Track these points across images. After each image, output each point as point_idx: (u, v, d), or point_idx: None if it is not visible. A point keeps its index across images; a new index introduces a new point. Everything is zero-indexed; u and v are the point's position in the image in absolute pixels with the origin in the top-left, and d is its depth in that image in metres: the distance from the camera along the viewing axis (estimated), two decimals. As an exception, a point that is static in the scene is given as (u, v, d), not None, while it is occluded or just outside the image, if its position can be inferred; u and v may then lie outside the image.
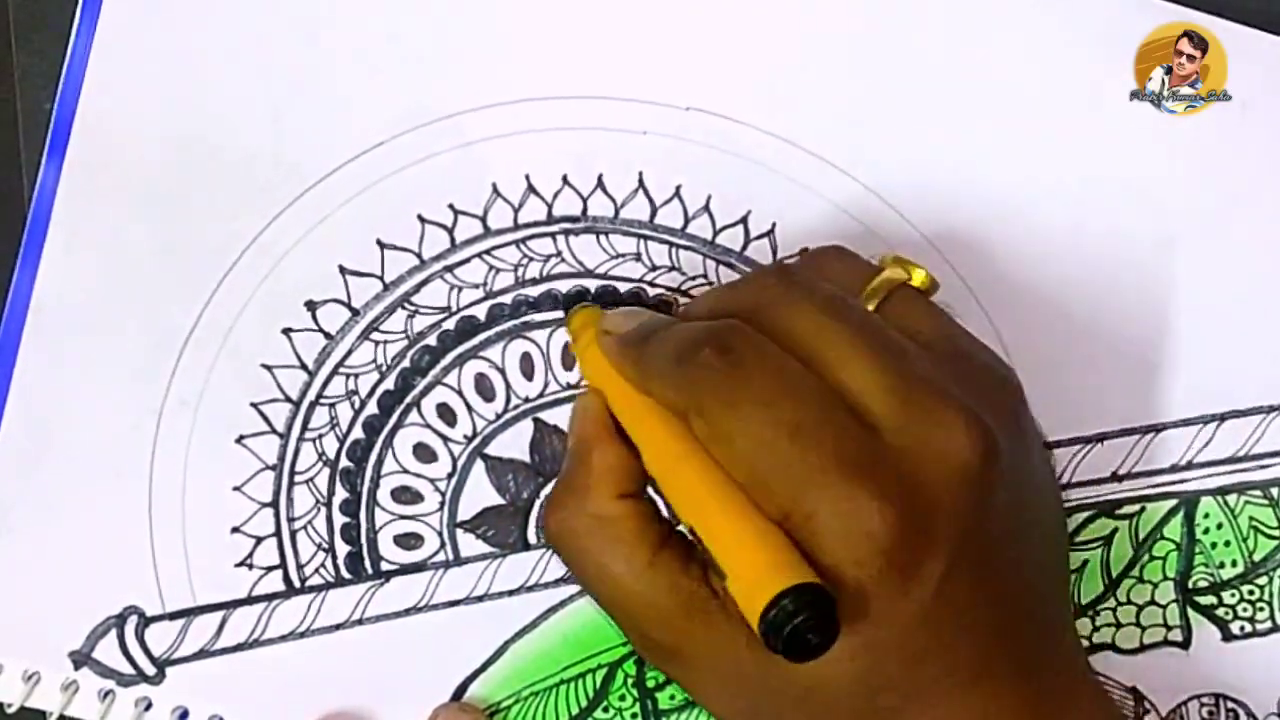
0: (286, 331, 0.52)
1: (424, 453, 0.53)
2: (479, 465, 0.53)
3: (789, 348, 0.43)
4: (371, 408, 0.53)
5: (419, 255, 0.52)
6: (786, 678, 0.43)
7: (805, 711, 0.44)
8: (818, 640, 0.39)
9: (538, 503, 0.53)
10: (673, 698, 0.53)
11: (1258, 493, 0.54)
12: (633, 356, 0.46)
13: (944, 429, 0.42)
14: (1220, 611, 0.54)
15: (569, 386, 0.53)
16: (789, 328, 0.44)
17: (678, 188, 0.53)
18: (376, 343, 0.52)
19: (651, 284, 0.53)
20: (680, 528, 0.46)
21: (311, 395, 0.52)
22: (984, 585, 0.43)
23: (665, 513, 0.47)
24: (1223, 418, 0.54)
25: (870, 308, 0.46)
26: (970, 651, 0.43)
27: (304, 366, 0.52)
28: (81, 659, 0.52)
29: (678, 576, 0.44)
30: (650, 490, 0.47)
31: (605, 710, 0.53)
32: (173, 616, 0.52)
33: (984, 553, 0.43)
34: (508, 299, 0.53)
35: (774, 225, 0.53)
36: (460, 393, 0.53)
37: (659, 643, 0.45)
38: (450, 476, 0.53)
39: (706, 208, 0.53)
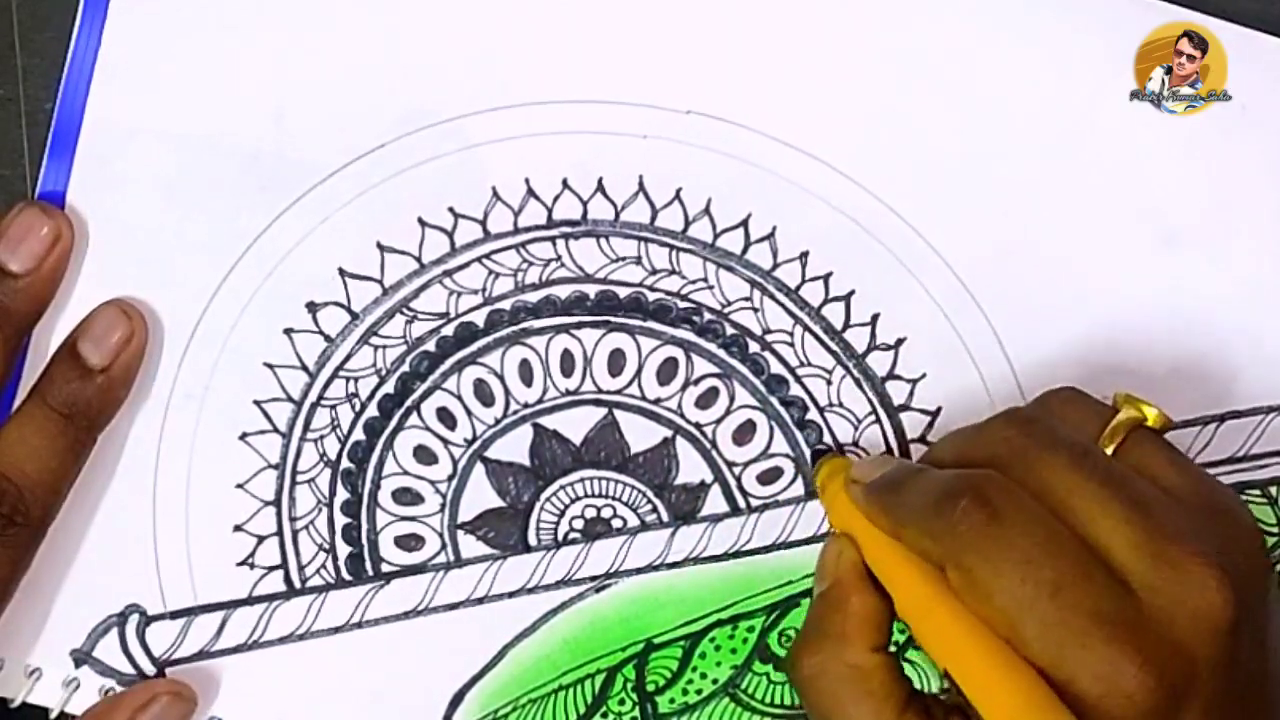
0: (288, 332, 0.52)
1: (424, 455, 0.53)
2: (479, 468, 0.53)
3: (1039, 500, 0.44)
4: (372, 410, 0.53)
5: (418, 259, 0.52)
6: None
7: None
8: None
9: (538, 505, 0.53)
10: (672, 701, 0.53)
11: (1257, 492, 0.54)
12: (885, 504, 0.47)
13: (1198, 587, 0.42)
14: (1219, 610, 0.55)
15: (568, 393, 0.53)
16: (1038, 480, 0.44)
17: (678, 191, 0.53)
18: (376, 347, 0.52)
19: (652, 288, 0.53)
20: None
21: (313, 396, 0.52)
22: None
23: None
24: (1223, 418, 0.54)
25: (1109, 451, 0.46)
26: None
27: (305, 368, 0.52)
28: (82, 657, 0.52)
29: None
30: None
31: (604, 715, 0.53)
32: (174, 615, 0.52)
33: (1235, 701, 0.43)
34: (506, 305, 0.53)
35: (774, 229, 0.53)
36: (459, 397, 0.53)
37: None
38: (451, 479, 0.53)
39: (707, 211, 0.53)
